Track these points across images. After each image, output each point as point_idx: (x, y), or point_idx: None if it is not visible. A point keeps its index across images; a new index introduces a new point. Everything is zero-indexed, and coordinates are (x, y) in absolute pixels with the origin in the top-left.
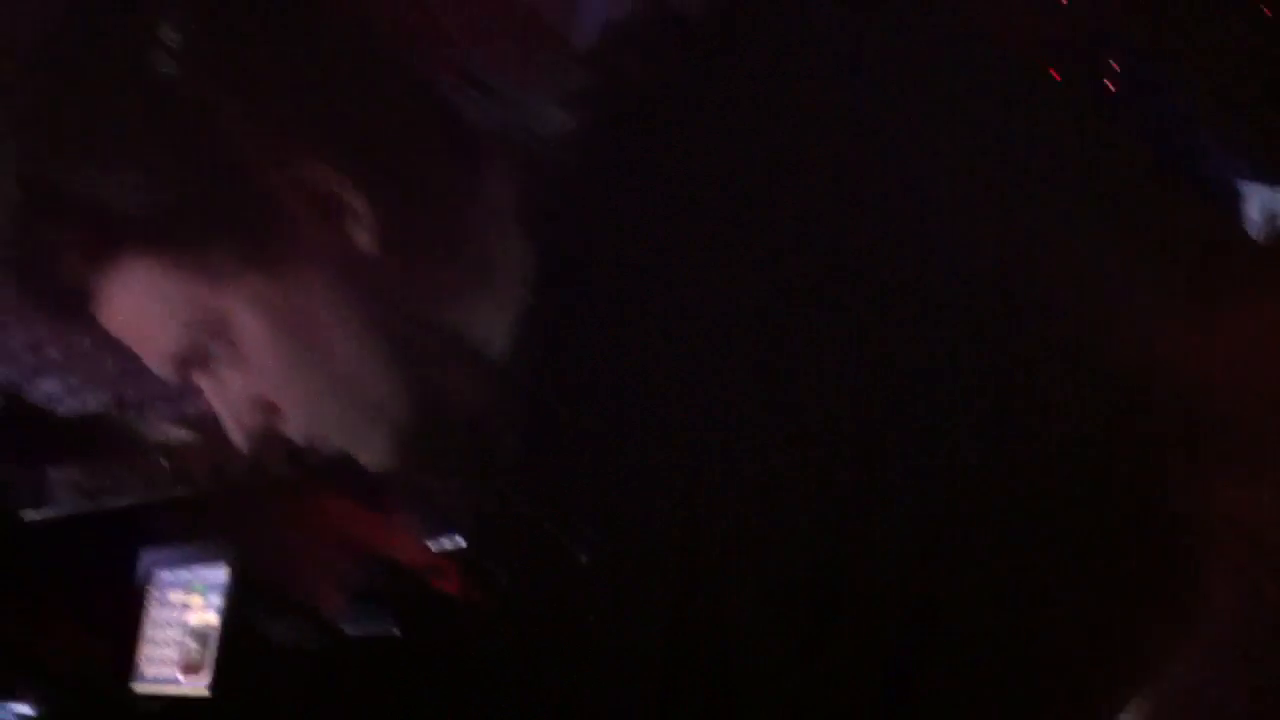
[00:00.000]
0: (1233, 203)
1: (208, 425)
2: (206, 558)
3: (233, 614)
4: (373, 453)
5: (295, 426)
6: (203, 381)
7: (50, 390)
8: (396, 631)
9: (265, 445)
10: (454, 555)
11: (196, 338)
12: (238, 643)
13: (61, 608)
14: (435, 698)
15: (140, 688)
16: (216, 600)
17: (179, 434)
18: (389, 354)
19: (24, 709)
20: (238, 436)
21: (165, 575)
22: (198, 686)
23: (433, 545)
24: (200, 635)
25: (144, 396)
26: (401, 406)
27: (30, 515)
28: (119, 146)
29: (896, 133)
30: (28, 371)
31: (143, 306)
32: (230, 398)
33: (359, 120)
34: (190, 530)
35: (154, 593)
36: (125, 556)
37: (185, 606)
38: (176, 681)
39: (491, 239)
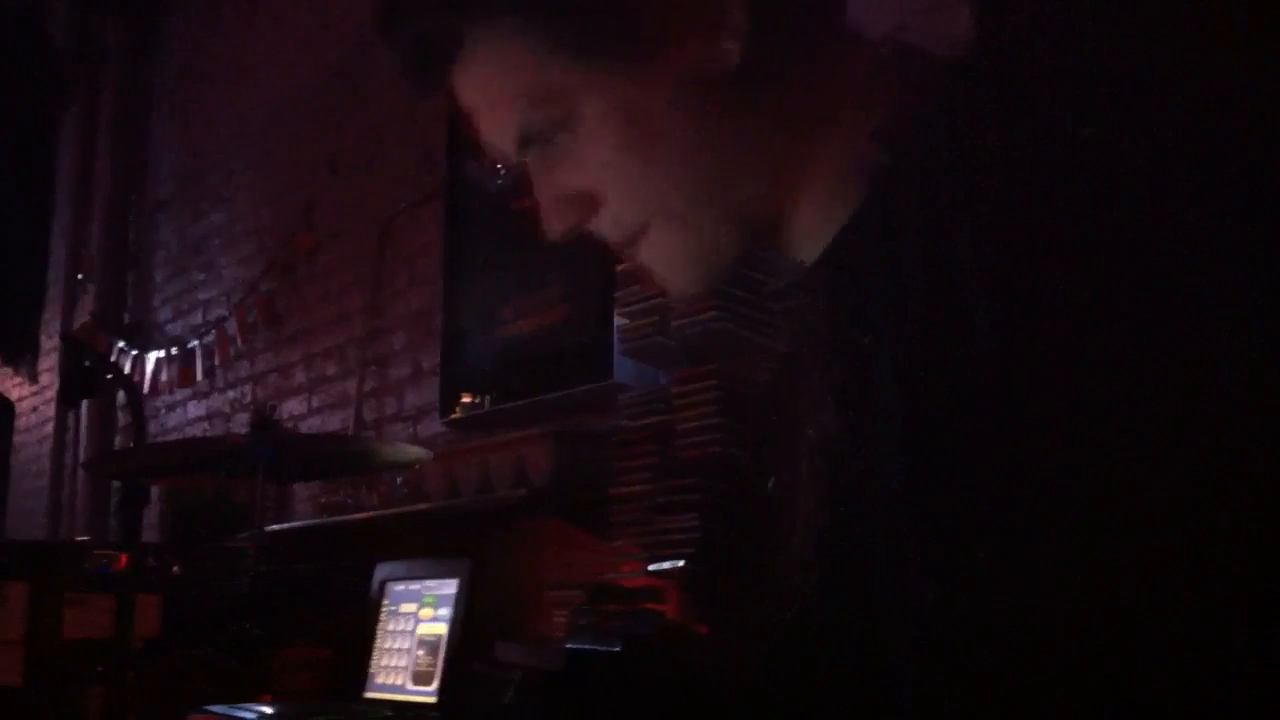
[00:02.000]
0: None
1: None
2: (438, 571)
3: (462, 626)
4: (677, 277)
5: (609, 226)
6: (532, 162)
7: (294, 410)
8: (617, 649)
9: (573, 236)
10: (673, 578)
11: (539, 116)
12: (466, 654)
13: (302, 616)
14: (654, 716)
15: (372, 694)
16: (446, 612)
17: (414, 450)
18: (716, 182)
19: (265, 709)
20: (551, 222)
21: (398, 587)
22: (426, 695)
23: (652, 567)
24: (430, 646)
25: (381, 418)
26: (716, 240)
27: (275, 527)
28: None
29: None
30: (275, 393)
31: (496, 77)
32: (554, 182)
33: None
34: (421, 547)
35: (387, 604)
36: (361, 568)
37: (416, 618)
38: (406, 690)
39: (846, 125)
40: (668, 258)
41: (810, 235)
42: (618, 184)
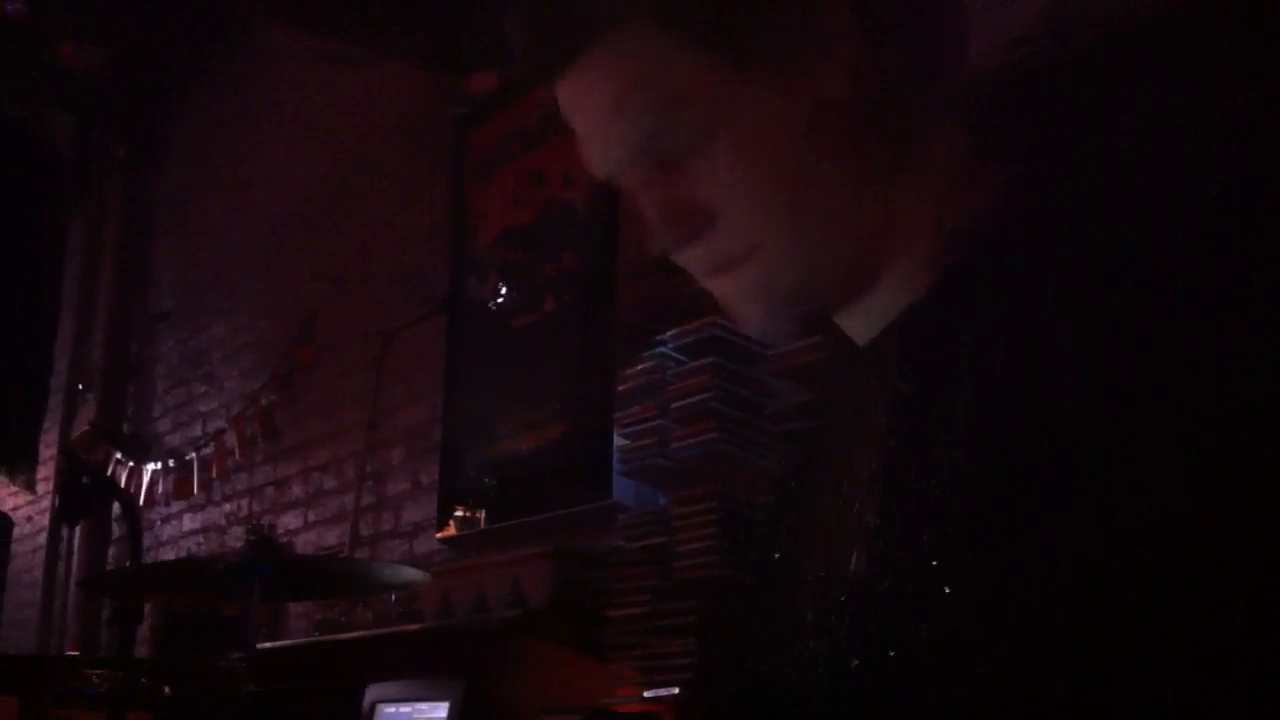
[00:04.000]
0: None
1: (434, 565)
2: (429, 694)
3: None
4: (760, 315)
5: (707, 249)
6: (640, 170)
7: (290, 525)
8: None
9: (677, 249)
10: (667, 703)
11: (668, 119)
12: None
13: None
14: None
15: None
16: None
17: (410, 572)
18: (827, 221)
19: None
20: (662, 237)
21: (388, 709)
22: None
23: (648, 693)
24: None
25: (378, 533)
26: (808, 282)
27: (267, 645)
28: None
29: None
30: (272, 507)
31: (623, 75)
32: (667, 195)
33: None
34: (415, 666)
35: None
36: (352, 688)
37: None
38: None
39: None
40: (757, 292)
41: (872, 310)
42: (737, 203)
